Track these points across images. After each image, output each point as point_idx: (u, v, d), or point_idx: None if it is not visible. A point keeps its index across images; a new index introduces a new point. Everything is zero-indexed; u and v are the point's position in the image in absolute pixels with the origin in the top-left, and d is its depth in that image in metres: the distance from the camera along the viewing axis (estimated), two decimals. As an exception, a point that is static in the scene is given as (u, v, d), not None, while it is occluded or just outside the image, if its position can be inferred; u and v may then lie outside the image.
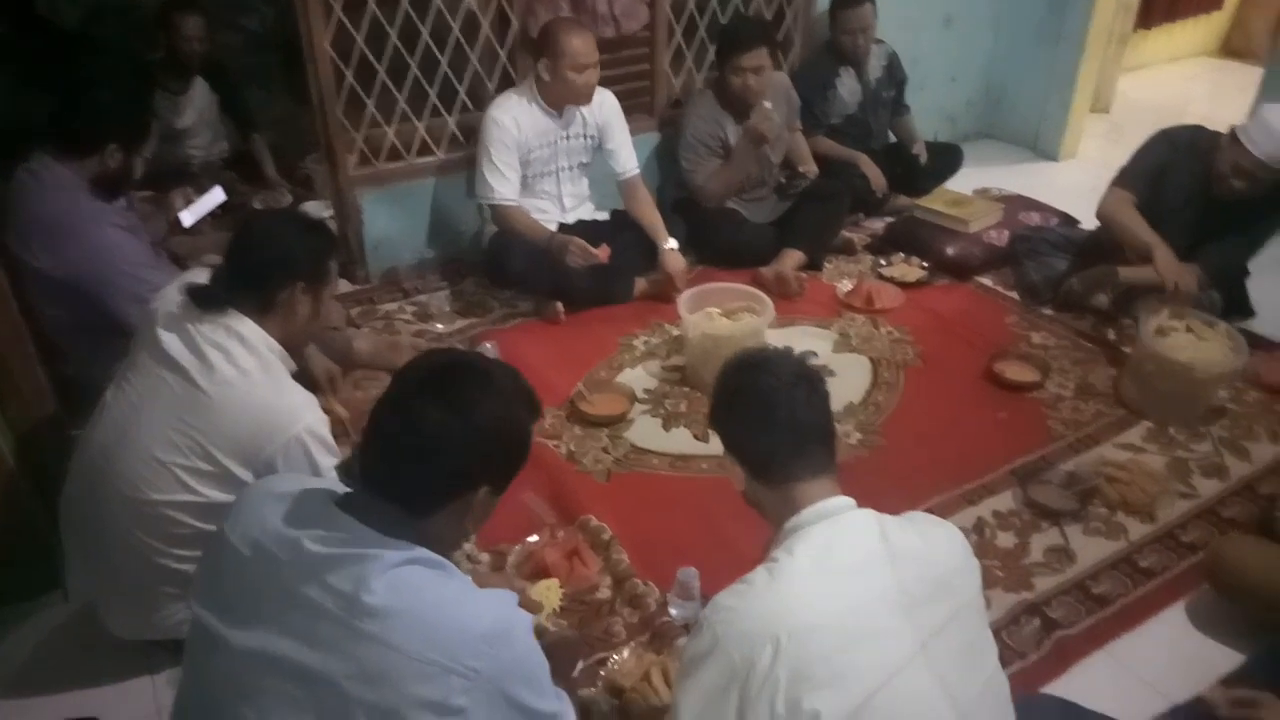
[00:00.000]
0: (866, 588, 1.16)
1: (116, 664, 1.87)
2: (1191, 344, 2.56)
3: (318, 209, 3.44)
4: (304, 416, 1.65)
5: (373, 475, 1.19)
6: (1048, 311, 3.14)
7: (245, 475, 1.63)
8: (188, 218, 2.75)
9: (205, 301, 1.65)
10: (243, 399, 1.62)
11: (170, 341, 1.64)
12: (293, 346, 1.76)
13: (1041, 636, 1.94)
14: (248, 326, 1.66)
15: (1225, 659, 1.87)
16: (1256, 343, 2.89)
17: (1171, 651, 1.92)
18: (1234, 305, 2.97)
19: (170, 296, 1.70)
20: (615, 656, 1.86)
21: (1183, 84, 5.66)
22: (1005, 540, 2.20)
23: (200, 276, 1.70)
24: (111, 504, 1.66)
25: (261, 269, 1.68)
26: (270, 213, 2.26)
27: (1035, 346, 2.97)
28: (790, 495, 1.26)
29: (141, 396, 1.67)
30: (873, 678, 1.11)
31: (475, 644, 1.10)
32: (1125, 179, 2.95)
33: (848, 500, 1.26)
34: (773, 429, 1.29)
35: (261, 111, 4.05)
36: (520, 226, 3.06)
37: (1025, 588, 2.05)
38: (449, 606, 1.12)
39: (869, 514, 1.24)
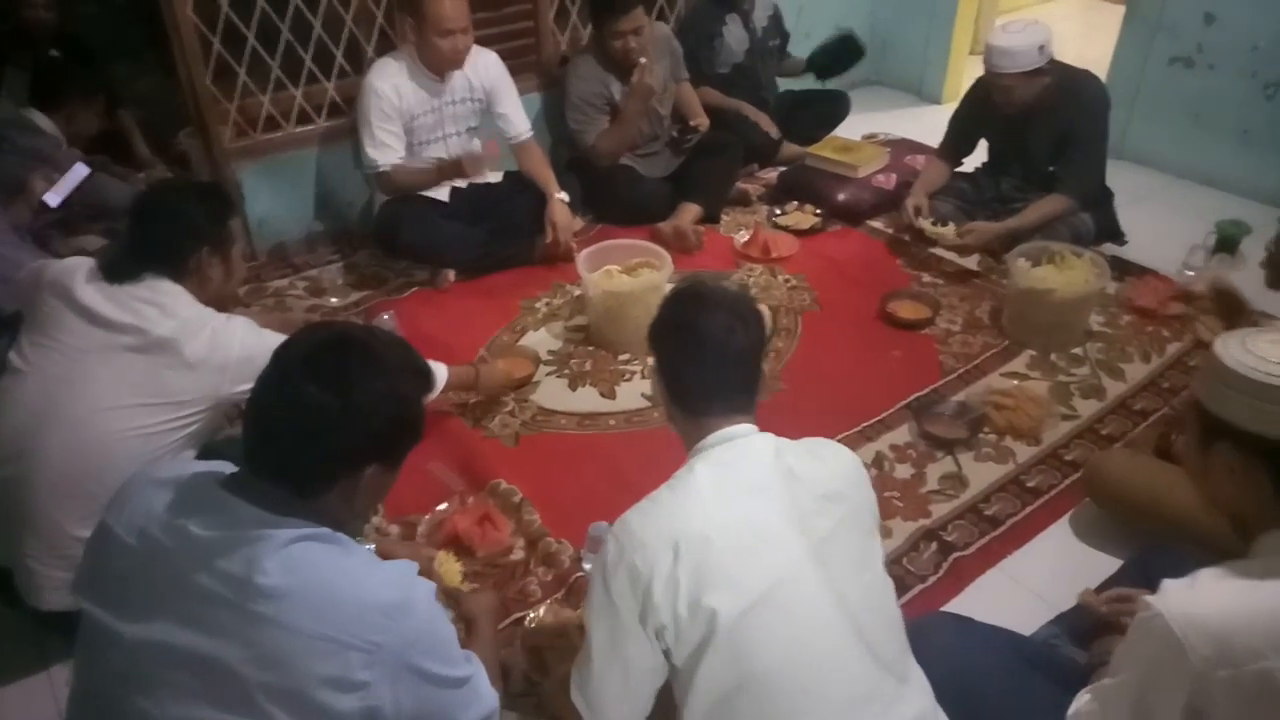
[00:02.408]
0: (762, 502, 1.25)
1: (9, 665, 1.81)
2: (1053, 273, 2.70)
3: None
4: (236, 318, 1.82)
5: (257, 456, 1.16)
6: (936, 251, 3.24)
7: (203, 400, 1.76)
8: (53, 198, 2.62)
9: (118, 273, 1.74)
10: (191, 325, 1.74)
11: (97, 302, 1.72)
12: (215, 305, 1.85)
13: (939, 559, 2.04)
14: (169, 286, 1.76)
15: (1107, 565, 1.98)
16: (1128, 268, 3.06)
17: (1057, 563, 2.04)
18: (1105, 231, 3.13)
19: (72, 272, 1.76)
20: (532, 614, 1.88)
21: (1056, 24, 5.80)
22: (903, 471, 2.29)
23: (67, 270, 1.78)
24: (52, 456, 1.68)
25: (167, 240, 1.78)
26: (164, 184, 2.35)
27: (925, 285, 3.07)
28: (702, 425, 1.34)
29: (78, 354, 1.72)
30: (766, 579, 1.21)
31: (374, 617, 1.09)
32: (941, 147, 3.33)
33: (750, 427, 1.33)
34: (698, 366, 1.34)
35: (129, 86, 3.83)
36: (408, 182, 2.99)
37: (923, 515, 2.15)
38: (344, 581, 1.11)
39: (767, 437, 1.33)
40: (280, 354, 1.19)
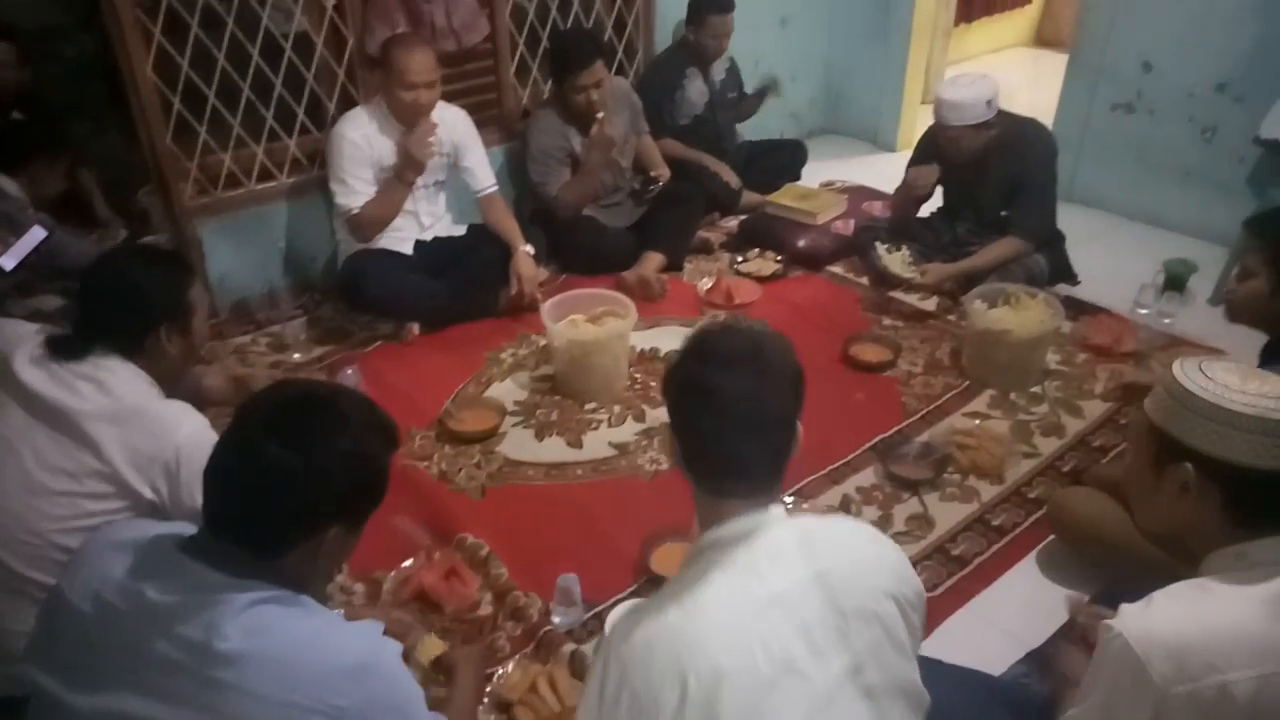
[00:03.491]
0: (786, 622, 1.05)
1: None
2: (1009, 314, 2.75)
3: (154, 244, 3.26)
4: (184, 420, 1.62)
5: (217, 517, 1.14)
6: (896, 295, 3.29)
7: (145, 490, 1.59)
8: (8, 261, 2.58)
9: (65, 351, 1.61)
10: (122, 414, 1.59)
11: (35, 379, 1.59)
12: (169, 381, 1.72)
13: (908, 601, 2.03)
14: (114, 363, 1.63)
15: (1073, 602, 2.02)
16: (1081, 308, 3.13)
17: (1025, 601, 2.05)
18: (1058, 271, 3.21)
19: (18, 343, 1.64)
20: (501, 670, 1.85)
21: (1003, 73, 5.99)
22: (870, 513, 2.30)
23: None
24: None
25: (118, 319, 1.64)
26: (115, 253, 2.12)
27: (886, 328, 3.12)
28: (719, 507, 1.14)
29: (5, 437, 1.59)
30: (794, 717, 1.02)
31: (338, 680, 1.07)
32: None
33: (777, 512, 1.13)
34: (716, 437, 1.13)
35: (89, 145, 3.81)
36: (378, 214, 2.98)
37: (891, 557, 2.15)
38: (308, 644, 1.09)
39: (793, 526, 1.13)
40: (242, 413, 1.18)
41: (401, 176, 2.94)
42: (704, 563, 1.10)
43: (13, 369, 1.61)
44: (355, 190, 2.94)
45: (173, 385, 1.75)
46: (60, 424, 1.58)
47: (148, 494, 1.60)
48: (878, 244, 3.22)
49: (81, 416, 1.57)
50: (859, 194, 3.90)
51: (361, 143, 2.93)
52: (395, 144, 2.97)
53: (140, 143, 2.97)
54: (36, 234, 2.66)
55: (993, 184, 3.11)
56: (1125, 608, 1.12)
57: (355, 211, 2.94)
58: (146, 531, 1.22)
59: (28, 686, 1.13)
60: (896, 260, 3.17)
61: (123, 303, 1.64)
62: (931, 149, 3.20)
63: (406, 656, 1.54)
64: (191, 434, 1.60)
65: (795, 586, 1.07)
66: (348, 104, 3.18)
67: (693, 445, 1.16)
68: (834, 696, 1.04)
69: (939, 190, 3.36)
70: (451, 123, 3.11)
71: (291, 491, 1.12)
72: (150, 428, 1.60)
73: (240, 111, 3.06)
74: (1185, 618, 1.08)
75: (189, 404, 1.71)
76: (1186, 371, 1.17)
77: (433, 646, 1.81)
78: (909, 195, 3.28)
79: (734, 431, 1.11)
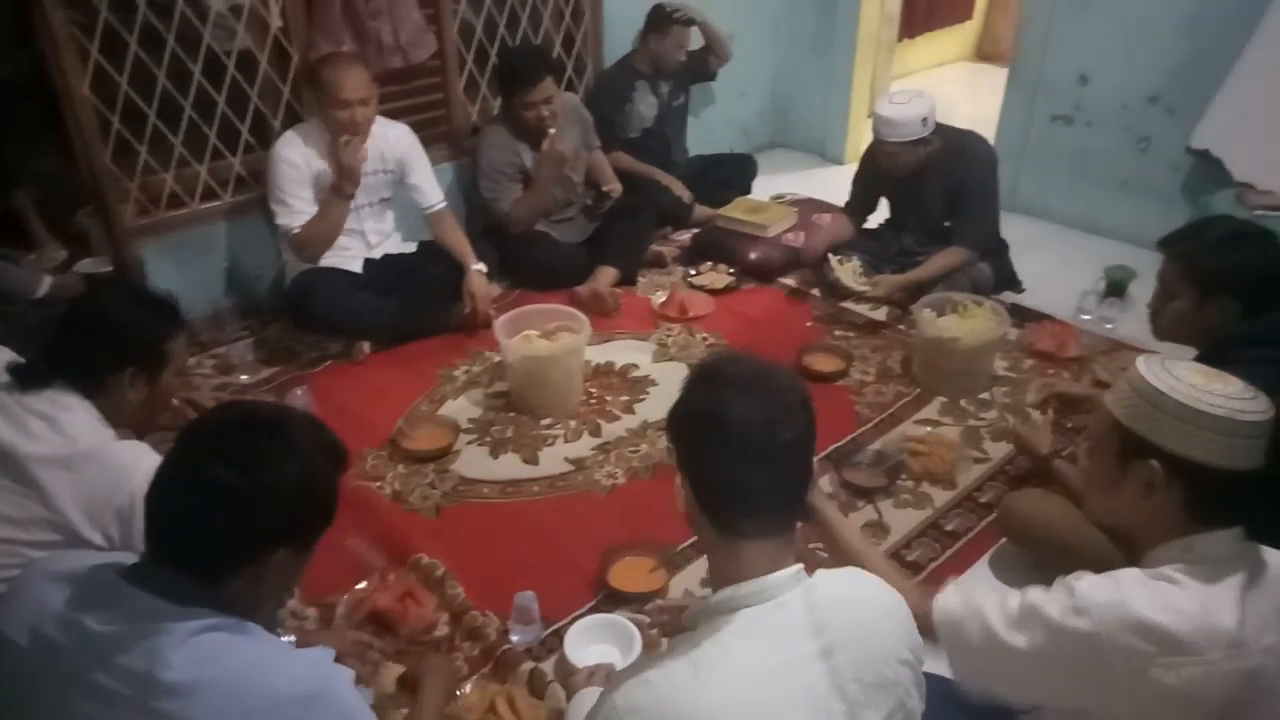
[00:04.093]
0: (805, 691, 1.00)
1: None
2: (957, 322, 2.81)
3: (94, 265, 3.18)
4: (142, 461, 1.57)
5: (160, 543, 1.11)
6: (847, 305, 3.33)
7: (96, 537, 1.54)
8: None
9: (27, 380, 1.57)
10: (75, 459, 1.54)
11: None
12: (125, 429, 1.67)
13: (866, 608, 2.05)
14: (72, 401, 1.58)
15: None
16: (1027, 315, 3.20)
17: (979, 604, 2.08)
18: (1003, 279, 3.28)
19: None
20: (459, 692, 1.82)
21: (945, 87, 6.16)
22: (828, 506, 2.30)
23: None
24: None
25: (87, 352, 1.61)
26: (107, 288, 2.10)
27: (838, 338, 3.15)
28: (737, 552, 1.07)
29: None
30: None
31: (288, 708, 1.05)
32: (847, 203, 3.48)
33: (793, 573, 1.06)
34: (741, 474, 1.06)
35: (25, 166, 3.71)
36: (320, 231, 2.92)
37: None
38: (256, 672, 1.06)
39: (811, 593, 1.06)
40: (185, 435, 1.15)
41: (339, 190, 2.88)
42: (718, 625, 1.03)
43: None
44: (295, 210, 2.89)
45: (126, 429, 1.70)
46: (7, 468, 1.53)
47: (98, 540, 1.55)
48: (830, 255, 3.26)
49: (30, 461, 1.53)
50: (808, 206, 3.95)
51: (300, 163, 2.88)
52: (324, 167, 2.92)
53: (78, 163, 2.90)
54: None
55: (934, 195, 3.17)
56: (1089, 577, 1.15)
57: (296, 231, 2.89)
58: (86, 561, 1.18)
59: None
60: (848, 272, 3.21)
61: (102, 335, 1.62)
62: (873, 162, 3.25)
63: (361, 681, 1.51)
64: (147, 476, 1.55)
65: (813, 657, 1.01)
66: (293, 121, 3.14)
67: (706, 481, 1.09)
68: None
69: (884, 202, 3.41)
70: (395, 139, 3.08)
71: (237, 515, 1.09)
72: (104, 474, 1.56)
73: (182, 130, 3.00)
74: (1152, 599, 1.11)
75: (140, 441, 1.67)
76: (1154, 370, 1.18)
77: (393, 671, 1.79)
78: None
79: (750, 460, 1.05)
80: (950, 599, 1.29)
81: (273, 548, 1.13)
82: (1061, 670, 1.15)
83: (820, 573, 1.11)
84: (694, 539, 2.14)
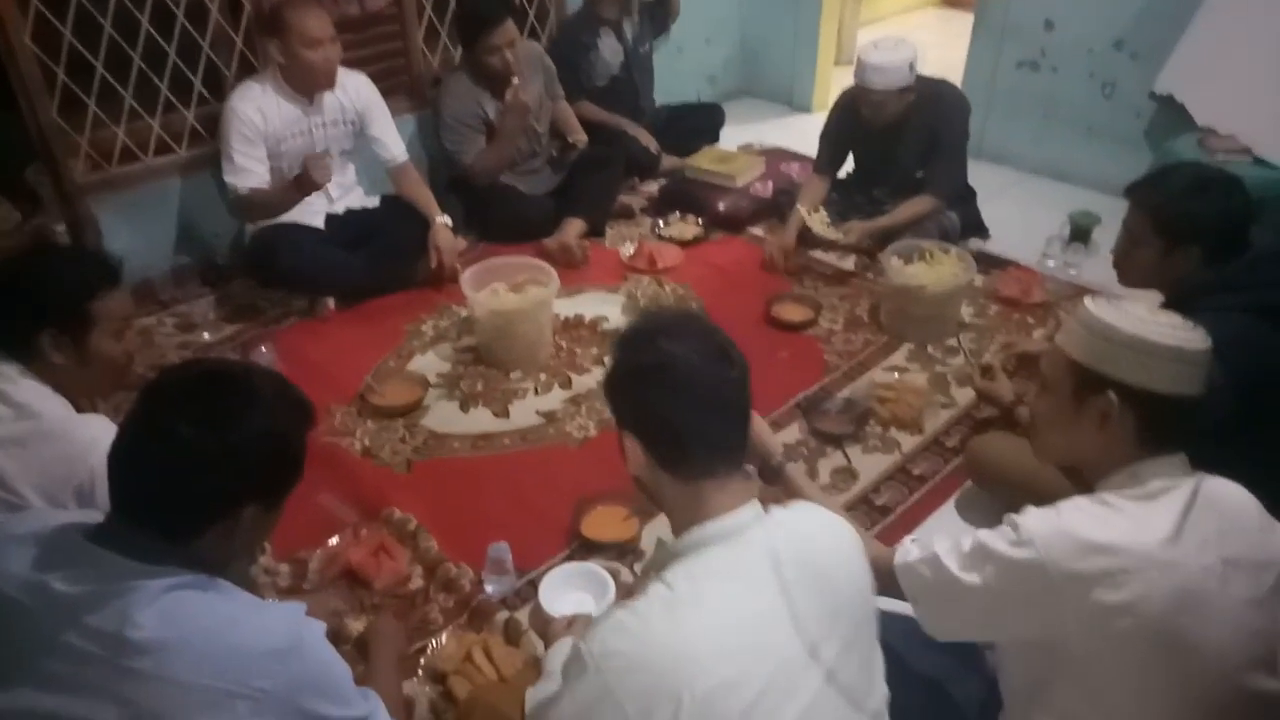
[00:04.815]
0: (777, 624, 1.04)
1: None
2: (924, 270, 2.82)
3: (46, 225, 3.10)
4: (101, 437, 1.49)
5: (125, 502, 1.10)
6: (814, 254, 3.33)
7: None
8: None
9: None
10: (28, 436, 1.51)
11: None
12: (74, 394, 1.62)
13: (835, 552, 2.08)
14: (14, 371, 1.54)
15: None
16: (993, 262, 3.22)
17: (946, 545, 2.12)
18: (970, 227, 3.30)
19: None
20: (434, 642, 1.83)
21: (913, 33, 6.10)
22: (795, 469, 2.33)
23: None
24: None
25: (7, 312, 1.55)
26: (35, 248, 2.00)
27: (806, 288, 3.16)
28: (700, 494, 1.11)
29: None
30: None
31: (261, 662, 1.05)
32: (816, 162, 3.38)
33: (754, 510, 1.11)
34: (693, 414, 1.10)
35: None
36: (267, 201, 2.85)
37: (817, 510, 2.20)
38: (227, 628, 1.06)
39: (760, 529, 1.10)
40: (148, 391, 1.13)
41: (300, 187, 2.77)
42: (687, 567, 1.07)
43: None
44: (242, 169, 2.81)
45: (79, 399, 1.65)
46: None
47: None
48: (798, 206, 3.25)
49: None
50: (776, 156, 3.92)
51: (253, 115, 2.80)
52: (289, 115, 2.86)
53: (23, 118, 2.80)
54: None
55: (909, 146, 3.16)
56: (1032, 510, 1.20)
57: (242, 193, 2.82)
58: (49, 522, 1.16)
59: None
60: (816, 221, 3.20)
61: (14, 296, 1.55)
62: (847, 115, 3.21)
63: (334, 636, 1.52)
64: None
65: (782, 592, 1.05)
66: (248, 71, 3.06)
67: (659, 431, 1.12)
68: (823, 702, 1.04)
69: (850, 156, 3.39)
70: (354, 89, 3.01)
71: (204, 473, 1.08)
72: (61, 451, 1.52)
73: (132, 82, 2.90)
74: (1091, 523, 1.16)
75: (98, 415, 1.63)
76: (1103, 308, 1.24)
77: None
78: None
79: (697, 401, 1.10)
80: (908, 548, 1.33)
81: (241, 504, 1.13)
82: (1014, 604, 1.19)
83: (776, 509, 1.14)
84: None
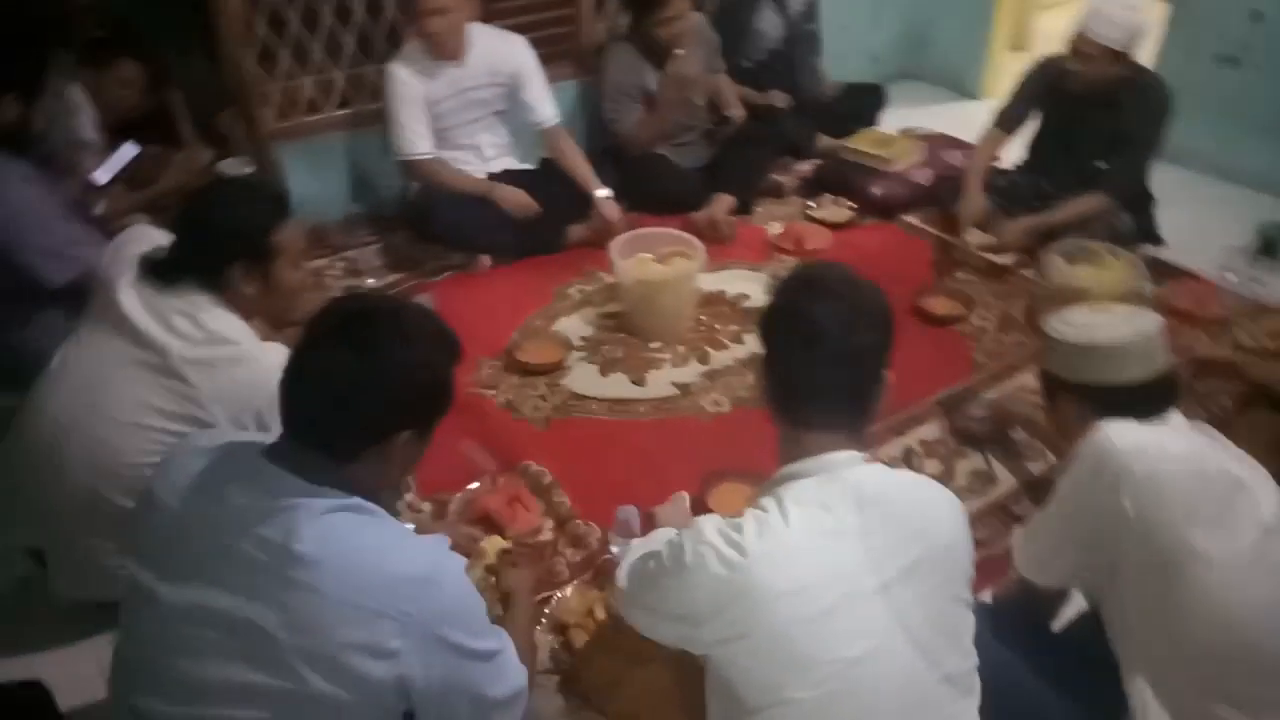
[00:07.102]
0: (851, 551, 1.11)
1: (57, 629, 1.85)
2: (1090, 272, 2.66)
3: (236, 166, 3.32)
4: (279, 366, 1.64)
5: (294, 423, 1.20)
6: (972, 247, 3.21)
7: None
8: (102, 175, 2.67)
9: (155, 277, 1.65)
10: (217, 359, 1.63)
11: (134, 310, 1.64)
12: (261, 322, 1.74)
13: (966, 555, 2.03)
14: (204, 300, 1.66)
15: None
16: (1167, 271, 3.02)
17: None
18: (1144, 232, 3.09)
19: (125, 262, 1.69)
20: (559, 594, 1.91)
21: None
22: (932, 467, 2.29)
23: (140, 244, 1.70)
24: (74, 468, 1.65)
25: (200, 249, 1.66)
26: (219, 185, 2.13)
27: (959, 281, 3.05)
28: (799, 439, 1.19)
29: (106, 364, 1.65)
30: (843, 652, 1.08)
31: (405, 587, 1.12)
32: (999, 115, 3.17)
33: (851, 455, 1.17)
34: (807, 365, 1.17)
35: (173, 68, 3.88)
36: (444, 179, 3.00)
37: (950, 510, 2.14)
38: (378, 552, 1.14)
39: (856, 474, 1.16)
40: (312, 323, 1.22)
41: (487, 191, 2.98)
42: (778, 494, 1.15)
43: (115, 297, 1.65)
44: (410, 134, 2.93)
45: (269, 327, 1.77)
46: (157, 361, 1.63)
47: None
48: (971, 233, 3.11)
49: (178, 358, 1.62)
50: (938, 142, 3.78)
51: (409, 78, 2.91)
52: (442, 77, 2.94)
53: (224, 66, 3.02)
54: (128, 150, 2.74)
55: (1098, 129, 2.95)
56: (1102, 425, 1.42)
57: (409, 158, 2.96)
58: (229, 437, 1.30)
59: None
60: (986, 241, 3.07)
61: (208, 230, 1.66)
62: (1045, 78, 3.00)
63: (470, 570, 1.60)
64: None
65: (861, 524, 1.12)
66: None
67: (780, 373, 1.22)
68: (892, 645, 1.09)
69: (1022, 141, 3.23)
70: (507, 52, 3.07)
71: (362, 395, 1.16)
72: (245, 375, 1.64)
73: (323, 36, 3.08)
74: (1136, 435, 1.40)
75: (280, 344, 1.73)
76: (1054, 328, 1.58)
77: (495, 543, 1.90)
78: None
79: (822, 359, 1.16)
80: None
81: (396, 430, 1.21)
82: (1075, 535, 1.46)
83: (879, 464, 1.20)
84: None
